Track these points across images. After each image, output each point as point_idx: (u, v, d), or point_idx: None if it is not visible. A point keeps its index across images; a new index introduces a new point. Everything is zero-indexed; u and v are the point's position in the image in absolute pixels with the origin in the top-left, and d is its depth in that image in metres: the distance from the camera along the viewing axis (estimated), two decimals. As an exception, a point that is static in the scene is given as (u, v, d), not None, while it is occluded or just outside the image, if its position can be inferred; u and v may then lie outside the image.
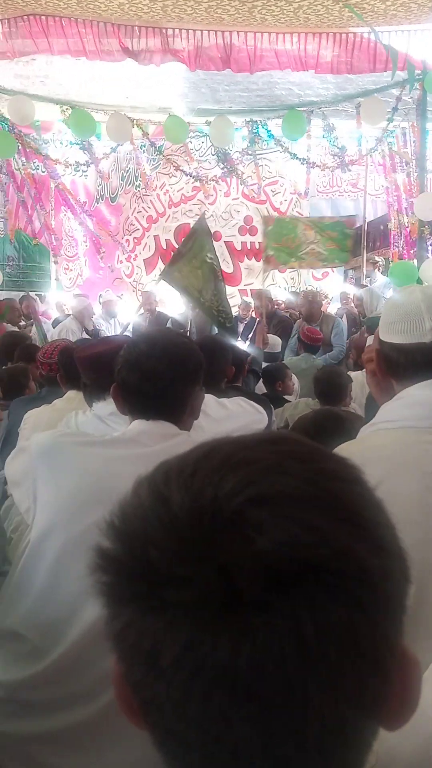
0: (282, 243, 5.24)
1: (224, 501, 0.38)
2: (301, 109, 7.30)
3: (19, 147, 7.52)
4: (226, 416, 1.96)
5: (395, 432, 1.23)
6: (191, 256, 4.65)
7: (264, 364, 4.17)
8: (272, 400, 3.36)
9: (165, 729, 0.41)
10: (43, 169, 7.99)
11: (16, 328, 6.33)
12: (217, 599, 0.36)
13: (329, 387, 3.26)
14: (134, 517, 0.41)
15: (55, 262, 9.34)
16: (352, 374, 3.57)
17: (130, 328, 5.94)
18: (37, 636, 1.25)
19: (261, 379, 3.91)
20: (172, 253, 4.99)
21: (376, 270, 8.26)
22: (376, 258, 8.58)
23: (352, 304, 7.35)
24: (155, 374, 1.35)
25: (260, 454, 0.42)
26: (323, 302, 7.06)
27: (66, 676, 1.23)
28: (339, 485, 0.41)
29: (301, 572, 0.36)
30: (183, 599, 0.37)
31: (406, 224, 7.38)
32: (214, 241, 9.04)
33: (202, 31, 6.34)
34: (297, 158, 7.68)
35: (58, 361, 2.85)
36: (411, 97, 6.73)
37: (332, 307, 8.07)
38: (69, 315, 7.19)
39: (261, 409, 2.13)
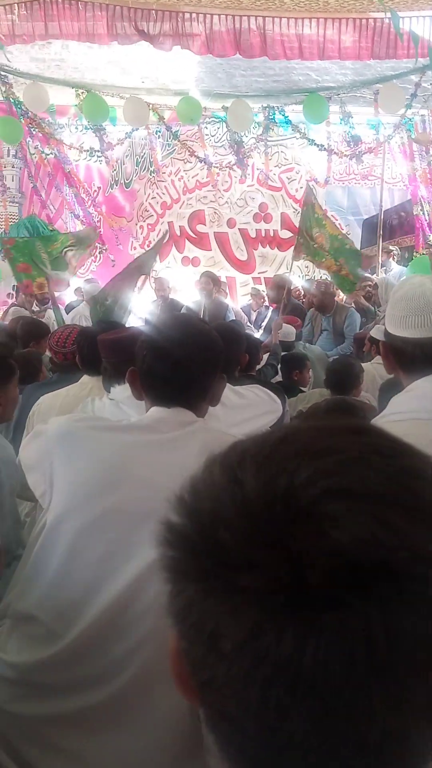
0: (311, 236, 5.26)
1: (300, 489, 0.37)
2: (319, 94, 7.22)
3: (34, 132, 7.49)
4: (242, 405, 1.95)
5: (404, 424, 1.24)
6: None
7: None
8: (285, 389, 3.35)
9: (220, 711, 0.40)
10: (57, 154, 7.95)
11: (28, 313, 6.33)
12: (286, 589, 0.35)
13: (343, 377, 3.25)
14: (206, 496, 0.40)
15: None
16: (364, 365, 3.55)
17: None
18: (52, 619, 1.26)
19: (278, 373, 3.90)
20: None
21: (391, 259, 8.17)
22: (390, 247, 8.48)
23: (360, 295, 7.23)
24: (184, 363, 1.32)
25: (342, 445, 0.40)
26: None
27: (79, 659, 1.23)
28: (422, 484, 0.39)
29: (376, 573, 0.34)
30: (252, 585, 0.36)
31: (424, 213, 7.31)
32: (228, 228, 9.00)
33: (219, 15, 6.26)
34: (315, 144, 7.61)
35: (76, 342, 2.84)
36: (431, 84, 6.64)
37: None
38: (83, 301, 7.18)
39: (276, 398, 2.12)
